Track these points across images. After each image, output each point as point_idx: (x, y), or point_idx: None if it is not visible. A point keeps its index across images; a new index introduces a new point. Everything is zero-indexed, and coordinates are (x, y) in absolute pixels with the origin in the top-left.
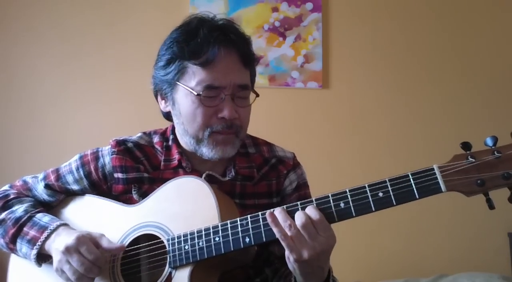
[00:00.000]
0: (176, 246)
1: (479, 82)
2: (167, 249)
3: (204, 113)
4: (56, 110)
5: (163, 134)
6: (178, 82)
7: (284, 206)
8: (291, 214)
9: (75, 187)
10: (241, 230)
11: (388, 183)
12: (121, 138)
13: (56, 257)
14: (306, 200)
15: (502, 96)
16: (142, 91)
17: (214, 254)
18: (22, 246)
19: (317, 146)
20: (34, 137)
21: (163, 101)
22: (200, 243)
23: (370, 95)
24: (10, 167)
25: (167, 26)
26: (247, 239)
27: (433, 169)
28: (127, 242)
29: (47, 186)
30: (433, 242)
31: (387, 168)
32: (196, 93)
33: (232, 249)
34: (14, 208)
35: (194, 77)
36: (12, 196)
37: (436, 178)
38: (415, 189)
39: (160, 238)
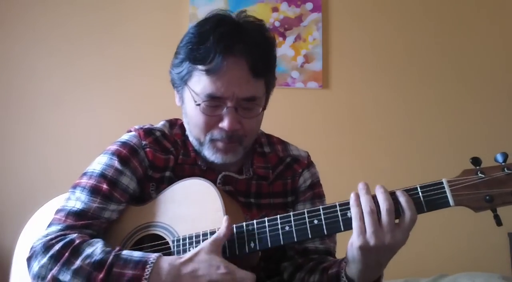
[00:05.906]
0: (181, 247)
1: (477, 83)
2: (172, 250)
3: (205, 122)
4: (57, 111)
5: (181, 126)
6: (186, 84)
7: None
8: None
9: (132, 187)
10: (246, 235)
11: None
12: (147, 127)
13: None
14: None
15: (501, 96)
16: (143, 92)
17: None
18: None
19: (317, 145)
20: (35, 139)
21: (177, 95)
22: None
23: (370, 95)
24: (12, 168)
25: (168, 26)
26: (252, 244)
27: (442, 183)
28: (132, 241)
29: (105, 197)
30: (433, 242)
31: (386, 168)
32: (197, 103)
33: (237, 253)
34: (87, 253)
35: (199, 83)
36: (77, 241)
37: (445, 192)
38: (423, 202)
39: (165, 239)
